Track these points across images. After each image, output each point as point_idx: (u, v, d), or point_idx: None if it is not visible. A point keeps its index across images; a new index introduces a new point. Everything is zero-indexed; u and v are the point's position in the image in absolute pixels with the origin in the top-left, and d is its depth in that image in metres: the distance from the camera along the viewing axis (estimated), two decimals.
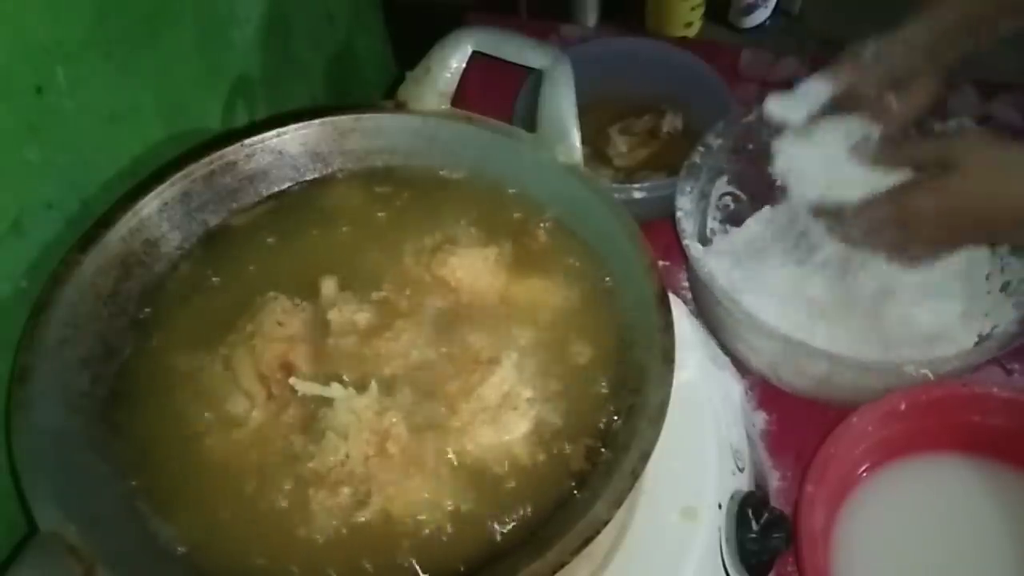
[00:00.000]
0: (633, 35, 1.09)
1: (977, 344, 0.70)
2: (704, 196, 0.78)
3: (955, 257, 0.71)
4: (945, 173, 0.59)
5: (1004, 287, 0.73)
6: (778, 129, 0.72)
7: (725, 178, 0.79)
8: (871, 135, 0.67)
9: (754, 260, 0.76)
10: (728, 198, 0.80)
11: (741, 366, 0.75)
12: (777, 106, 0.68)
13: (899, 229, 0.62)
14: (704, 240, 0.78)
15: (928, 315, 0.72)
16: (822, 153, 0.68)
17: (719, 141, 0.77)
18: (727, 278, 0.74)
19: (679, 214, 0.72)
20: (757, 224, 0.79)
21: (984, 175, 0.58)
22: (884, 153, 0.65)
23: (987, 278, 0.74)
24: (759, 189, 0.79)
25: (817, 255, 0.73)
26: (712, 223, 0.79)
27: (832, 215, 0.66)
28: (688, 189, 0.74)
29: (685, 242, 0.71)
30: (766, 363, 0.73)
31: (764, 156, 0.72)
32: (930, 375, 0.64)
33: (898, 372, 0.66)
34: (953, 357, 0.66)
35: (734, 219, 0.80)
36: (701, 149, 0.76)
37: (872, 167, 0.65)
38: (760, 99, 0.77)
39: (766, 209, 0.79)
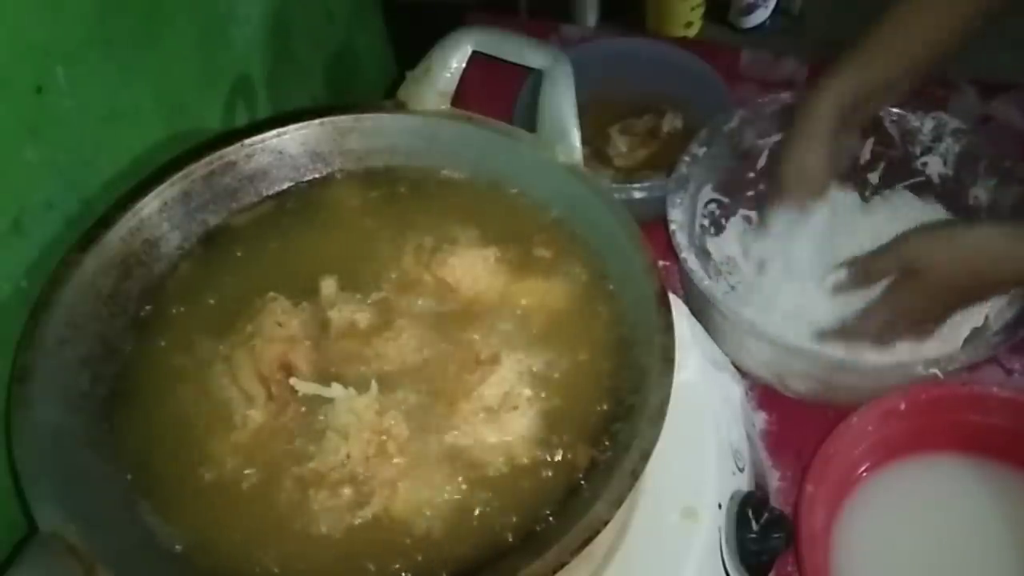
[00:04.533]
0: (633, 35, 1.10)
1: (972, 337, 0.70)
2: (693, 205, 0.77)
3: None
4: (913, 274, 0.66)
5: None
6: (761, 133, 0.73)
7: (710, 185, 0.79)
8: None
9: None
10: (713, 205, 0.80)
11: (741, 369, 0.74)
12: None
13: (900, 322, 0.68)
14: (699, 251, 0.77)
15: None
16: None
17: (703, 149, 0.76)
18: (723, 285, 0.74)
19: (673, 227, 0.72)
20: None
21: (947, 264, 0.65)
22: (854, 279, 0.71)
23: None
24: (741, 194, 0.80)
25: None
26: (699, 232, 0.79)
27: (837, 332, 0.71)
28: (679, 201, 0.73)
29: (682, 255, 0.70)
30: (769, 370, 0.73)
31: (746, 161, 0.72)
32: (939, 374, 0.64)
33: (902, 372, 0.66)
34: (957, 353, 0.66)
35: (718, 225, 0.81)
36: (687, 159, 0.76)
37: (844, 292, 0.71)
38: (754, 100, 0.78)
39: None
